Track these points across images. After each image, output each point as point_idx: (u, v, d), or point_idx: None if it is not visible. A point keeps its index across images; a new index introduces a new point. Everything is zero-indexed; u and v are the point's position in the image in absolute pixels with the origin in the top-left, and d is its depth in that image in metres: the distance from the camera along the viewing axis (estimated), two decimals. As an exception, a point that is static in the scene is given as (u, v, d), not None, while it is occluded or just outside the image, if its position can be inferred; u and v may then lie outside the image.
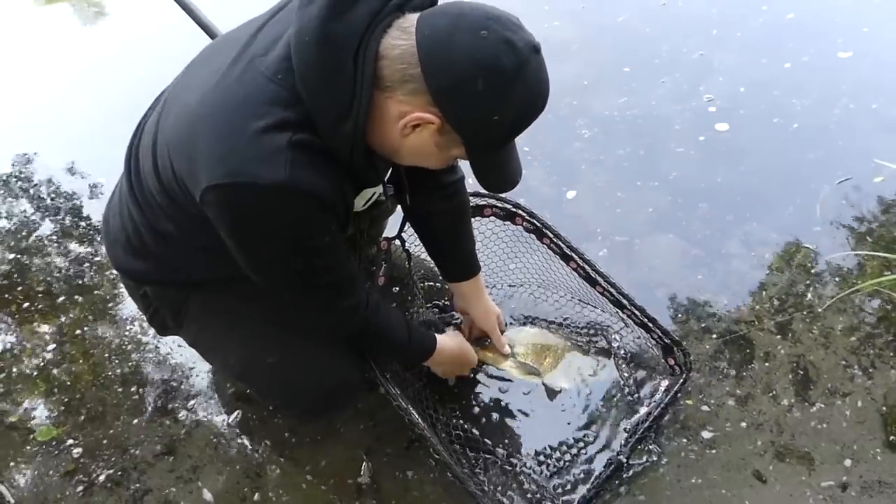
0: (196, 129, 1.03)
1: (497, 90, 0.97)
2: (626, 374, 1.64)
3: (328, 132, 1.01)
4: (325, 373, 1.42)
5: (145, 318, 1.48)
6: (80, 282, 2.03)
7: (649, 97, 2.41)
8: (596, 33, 2.69)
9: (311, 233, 1.10)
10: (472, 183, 1.33)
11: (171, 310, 1.38)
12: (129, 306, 1.92)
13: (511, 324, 1.75)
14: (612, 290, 1.61)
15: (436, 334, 1.49)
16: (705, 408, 1.60)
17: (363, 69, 0.97)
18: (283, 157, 0.98)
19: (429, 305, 1.77)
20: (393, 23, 0.99)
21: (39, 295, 2.01)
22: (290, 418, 1.63)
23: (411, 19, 0.99)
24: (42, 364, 1.84)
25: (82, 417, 1.71)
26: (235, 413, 1.67)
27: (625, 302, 1.60)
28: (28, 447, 1.67)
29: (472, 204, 1.65)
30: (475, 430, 1.57)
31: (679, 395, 1.58)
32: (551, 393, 1.63)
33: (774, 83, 2.42)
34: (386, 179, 1.34)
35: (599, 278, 1.61)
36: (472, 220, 1.65)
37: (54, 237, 2.20)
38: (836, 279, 1.82)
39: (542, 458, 1.53)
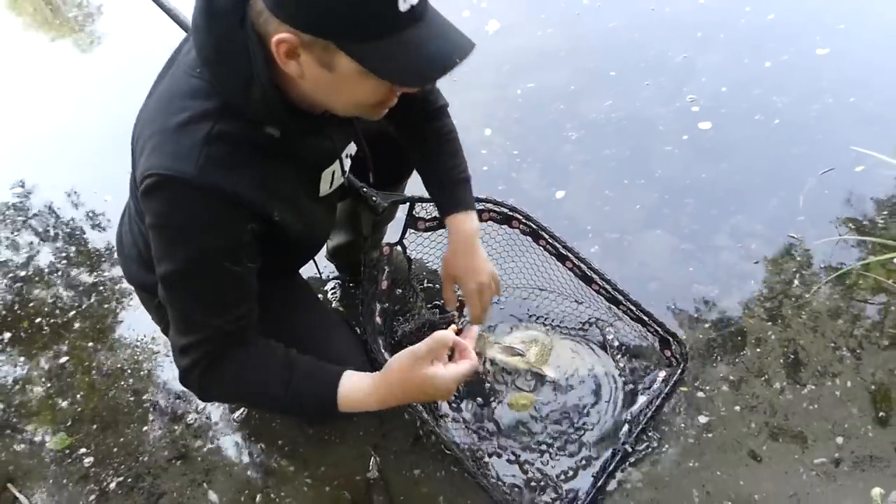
0: (138, 133, 1.09)
1: None
2: (622, 366, 1.69)
3: (245, 106, 1.00)
4: None
5: (160, 329, 1.53)
6: (91, 299, 2.08)
7: (634, 99, 2.48)
8: (586, 40, 2.77)
9: (217, 240, 1.06)
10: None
11: None
12: (136, 322, 1.97)
13: (514, 326, 1.79)
14: (607, 287, 1.65)
15: (346, 370, 1.19)
16: (700, 394, 1.65)
17: (248, 29, 0.95)
18: (196, 151, 0.99)
19: (429, 306, 1.82)
20: None
21: (54, 311, 2.07)
22: (293, 420, 1.68)
23: None
24: (53, 377, 1.89)
25: (95, 426, 1.75)
26: (241, 411, 1.73)
27: (620, 298, 1.65)
28: (43, 455, 1.71)
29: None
30: (479, 422, 1.62)
31: (678, 384, 1.63)
32: (539, 378, 1.67)
33: (756, 82, 2.49)
34: (350, 155, 1.33)
35: (595, 276, 1.66)
36: None
37: (59, 261, 2.25)
38: (822, 265, 1.87)
39: (543, 447, 1.57)
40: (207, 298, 1.11)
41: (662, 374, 1.65)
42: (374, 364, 1.45)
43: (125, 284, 2.03)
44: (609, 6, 2.94)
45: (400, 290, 1.77)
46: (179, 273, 1.07)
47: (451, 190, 1.49)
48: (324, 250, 1.94)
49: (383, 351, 1.49)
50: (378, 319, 1.54)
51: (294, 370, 1.17)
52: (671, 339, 1.63)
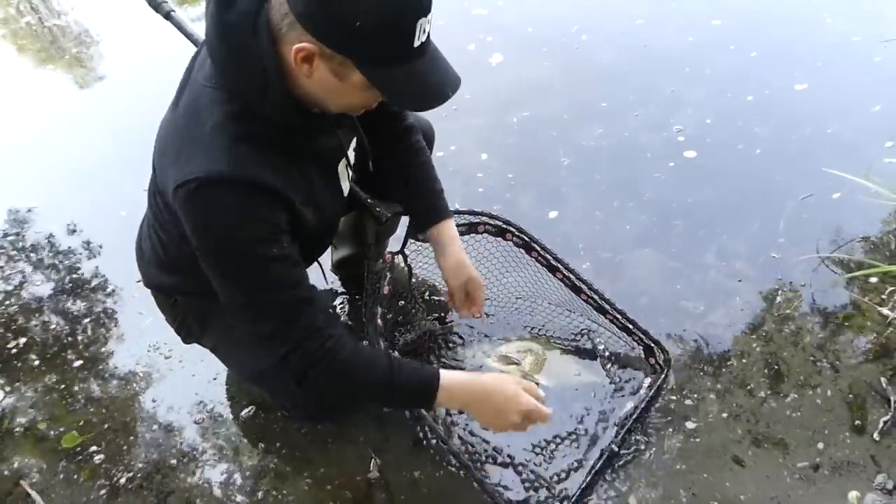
0: (165, 145, 1.19)
1: None
2: (612, 374, 1.78)
3: (262, 108, 1.10)
4: None
5: (172, 328, 1.61)
6: (107, 304, 2.16)
7: (623, 129, 2.60)
8: (580, 73, 2.91)
9: (261, 228, 1.14)
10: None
11: (197, 316, 1.51)
12: (150, 328, 2.04)
13: (508, 337, 1.87)
14: (595, 297, 1.75)
15: (446, 371, 1.30)
16: (688, 401, 1.73)
17: (260, 37, 1.05)
18: (227, 153, 1.09)
19: (430, 317, 1.91)
20: None
21: (67, 328, 2.14)
22: (300, 419, 1.75)
23: None
24: (67, 380, 1.96)
25: (106, 426, 1.81)
26: (248, 409, 1.80)
27: (607, 307, 1.75)
28: (55, 453, 1.77)
29: (466, 222, 1.79)
30: (474, 429, 1.69)
31: (662, 390, 1.72)
32: None
33: (739, 114, 2.63)
34: (351, 151, 1.44)
35: (584, 286, 1.76)
36: (467, 237, 1.77)
37: (80, 274, 2.32)
38: (802, 283, 1.98)
39: (537, 450, 1.64)
40: (268, 281, 1.18)
41: (648, 380, 1.74)
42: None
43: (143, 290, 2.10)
44: (605, 42, 3.11)
45: (402, 302, 1.86)
46: (236, 267, 1.16)
47: (436, 200, 1.59)
48: (330, 263, 2.04)
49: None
50: (379, 322, 1.62)
51: (393, 359, 1.28)
52: (655, 347, 1.72)
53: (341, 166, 1.40)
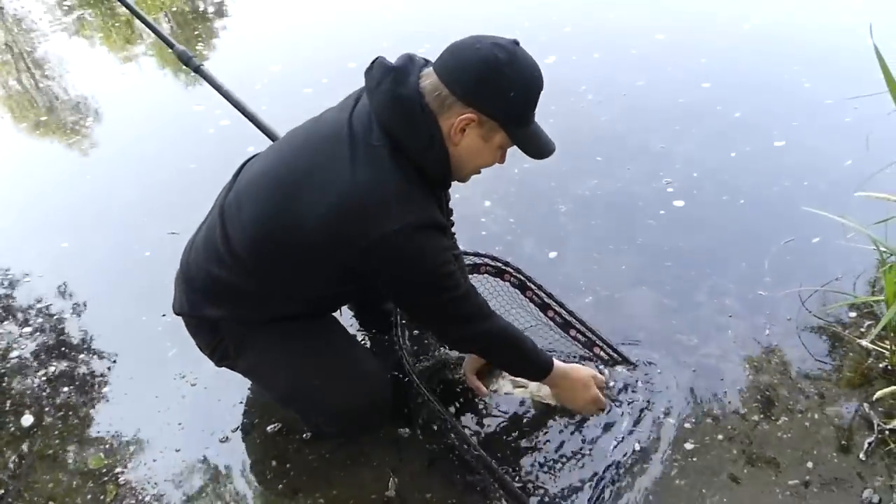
0: (352, 204, 1.36)
1: (504, 75, 1.32)
2: (613, 394, 1.91)
3: (428, 163, 1.40)
4: (362, 392, 1.67)
5: (205, 353, 1.72)
6: (139, 333, 2.27)
7: (617, 180, 2.80)
8: (580, 129, 3.14)
9: (449, 256, 1.46)
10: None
11: (235, 340, 1.63)
12: (178, 356, 2.15)
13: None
14: (585, 331, 1.97)
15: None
16: (686, 425, 1.84)
17: (426, 111, 1.36)
18: (423, 203, 1.40)
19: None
20: (422, 74, 1.39)
21: (91, 357, 2.24)
22: (329, 436, 1.84)
23: (430, 69, 1.39)
24: (94, 402, 2.06)
25: (132, 448, 1.91)
26: (272, 429, 1.90)
27: (595, 339, 1.97)
28: (82, 475, 1.86)
29: (470, 262, 1.97)
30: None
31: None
32: (538, 405, 1.88)
33: (723, 168, 2.83)
34: None
35: (574, 321, 1.96)
36: (471, 277, 1.94)
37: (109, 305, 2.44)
38: (787, 318, 2.12)
39: (546, 468, 1.75)
40: (458, 284, 1.49)
41: None
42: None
43: (167, 324, 2.23)
44: (607, 102, 3.36)
45: (416, 331, 1.99)
46: (442, 282, 1.45)
47: None
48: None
49: (412, 372, 1.71)
50: (407, 343, 1.77)
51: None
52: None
53: None
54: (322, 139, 1.45)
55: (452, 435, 1.78)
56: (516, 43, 1.37)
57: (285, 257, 1.47)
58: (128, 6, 2.18)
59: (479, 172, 1.53)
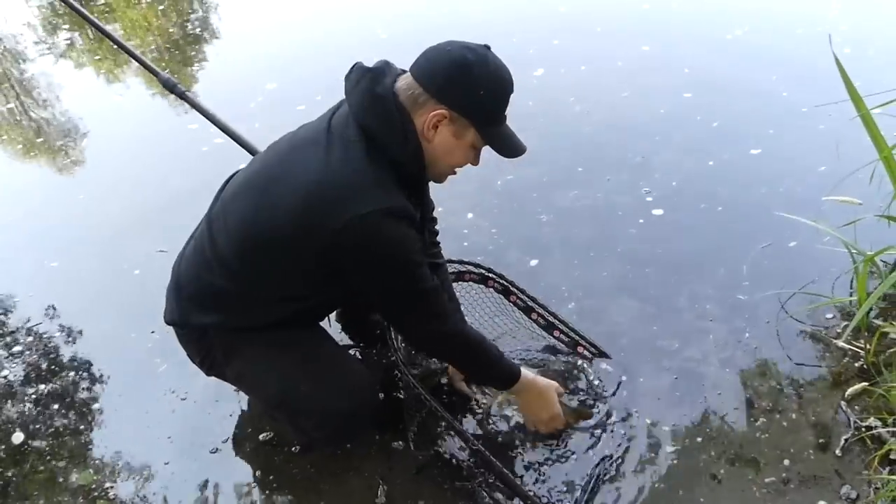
0: (324, 191, 1.42)
1: (473, 74, 1.40)
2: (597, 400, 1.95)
3: (402, 157, 1.45)
4: (349, 395, 1.71)
5: (195, 362, 1.75)
6: (132, 351, 2.30)
7: (597, 190, 2.85)
8: (563, 142, 3.21)
9: (418, 246, 1.50)
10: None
11: (223, 347, 1.66)
12: (166, 371, 2.17)
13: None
14: (568, 331, 2.03)
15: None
16: (666, 428, 1.89)
17: (400, 108, 1.44)
18: (395, 192, 1.44)
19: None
20: (399, 77, 1.47)
21: (81, 374, 2.26)
22: (317, 442, 1.87)
23: (406, 73, 1.47)
24: (86, 420, 2.08)
25: (121, 462, 1.93)
26: (261, 442, 1.93)
27: (578, 339, 2.03)
28: (71, 492, 1.87)
29: (454, 270, 2.02)
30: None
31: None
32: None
33: (701, 177, 2.89)
34: None
35: (557, 322, 2.02)
36: (455, 285, 1.99)
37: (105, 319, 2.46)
38: (766, 321, 2.17)
39: (527, 471, 1.79)
40: (426, 277, 1.54)
41: None
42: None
43: (157, 340, 2.26)
44: (592, 113, 3.42)
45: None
46: (410, 271, 1.50)
47: None
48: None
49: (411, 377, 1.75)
50: (401, 345, 1.83)
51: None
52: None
53: None
54: (301, 141, 1.53)
55: (451, 434, 1.82)
56: (487, 48, 1.45)
57: (265, 254, 1.52)
58: (113, 39, 2.23)
59: (454, 173, 1.59)
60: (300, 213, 1.44)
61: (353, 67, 1.49)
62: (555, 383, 1.79)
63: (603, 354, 2.05)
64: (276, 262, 1.53)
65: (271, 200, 1.48)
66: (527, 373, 1.72)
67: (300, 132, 1.58)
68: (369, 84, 1.43)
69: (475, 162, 1.56)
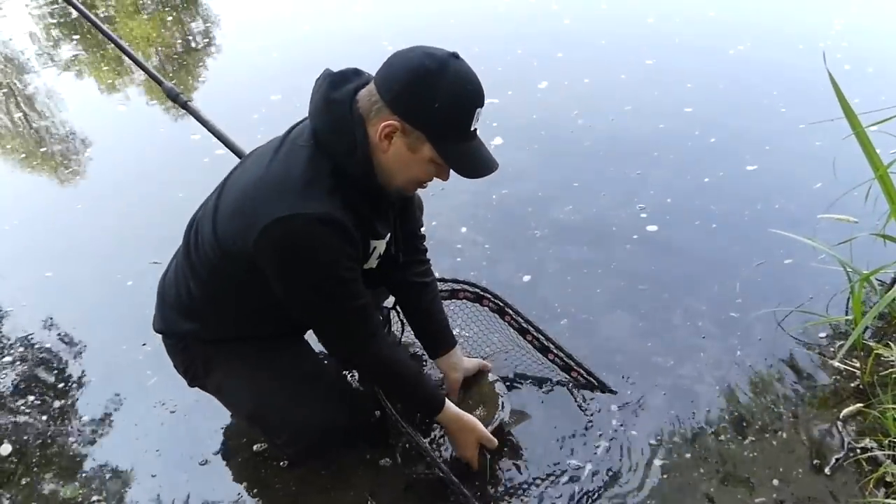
0: (255, 193, 1.39)
1: (429, 84, 1.29)
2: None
3: (349, 167, 1.38)
4: (322, 414, 1.70)
5: (180, 373, 1.75)
6: (120, 355, 2.28)
7: (592, 206, 2.85)
8: (559, 156, 3.20)
9: (342, 259, 1.40)
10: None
11: (203, 360, 1.66)
12: (157, 383, 2.16)
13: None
14: (561, 355, 2.00)
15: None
16: (661, 445, 1.87)
17: (354, 115, 1.36)
18: (325, 197, 1.35)
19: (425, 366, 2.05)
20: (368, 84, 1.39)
21: (70, 386, 2.25)
22: (290, 458, 1.86)
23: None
24: (74, 433, 2.06)
25: (108, 476, 1.91)
26: (249, 456, 1.91)
27: (573, 365, 2.00)
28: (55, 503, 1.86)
29: (448, 288, 2.02)
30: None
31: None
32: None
33: (696, 194, 2.89)
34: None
35: (551, 345, 2.00)
36: (448, 302, 1.98)
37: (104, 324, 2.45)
38: (759, 338, 2.16)
39: (517, 489, 1.77)
40: (351, 294, 1.46)
41: None
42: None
43: (148, 353, 2.25)
44: (594, 127, 3.43)
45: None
46: (326, 284, 1.42)
47: (447, 332, 1.85)
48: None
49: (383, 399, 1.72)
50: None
51: (418, 367, 1.70)
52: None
53: (381, 244, 1.62)
54: (263, 147, 1.53)
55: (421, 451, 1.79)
56: (455, 56, 1.33)
57: (222, 262, 1.50)
58: (120, 47, 2.24)
59: (423, 186, 1.50)
60: (235, 215, 1.42)
61: (321, 74, 1.44)
62: (479, 425, 1.69)
63: (601, 386, 2.01)
64: (232, 272, 1.50)
65: (221, 207, 1.48)
66: (450, 407, 1.66)
67: (270, 141, 1.55)
68: (327, 89, 1.37)
69: (442, 177, 1.46)
